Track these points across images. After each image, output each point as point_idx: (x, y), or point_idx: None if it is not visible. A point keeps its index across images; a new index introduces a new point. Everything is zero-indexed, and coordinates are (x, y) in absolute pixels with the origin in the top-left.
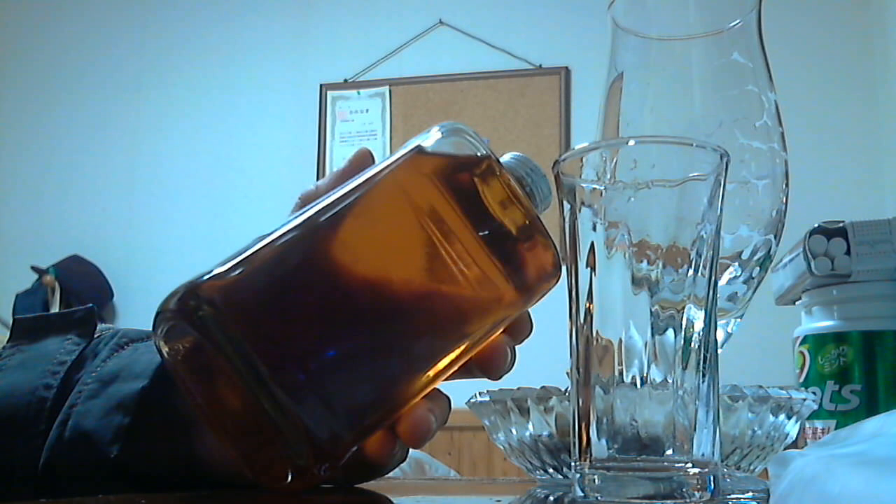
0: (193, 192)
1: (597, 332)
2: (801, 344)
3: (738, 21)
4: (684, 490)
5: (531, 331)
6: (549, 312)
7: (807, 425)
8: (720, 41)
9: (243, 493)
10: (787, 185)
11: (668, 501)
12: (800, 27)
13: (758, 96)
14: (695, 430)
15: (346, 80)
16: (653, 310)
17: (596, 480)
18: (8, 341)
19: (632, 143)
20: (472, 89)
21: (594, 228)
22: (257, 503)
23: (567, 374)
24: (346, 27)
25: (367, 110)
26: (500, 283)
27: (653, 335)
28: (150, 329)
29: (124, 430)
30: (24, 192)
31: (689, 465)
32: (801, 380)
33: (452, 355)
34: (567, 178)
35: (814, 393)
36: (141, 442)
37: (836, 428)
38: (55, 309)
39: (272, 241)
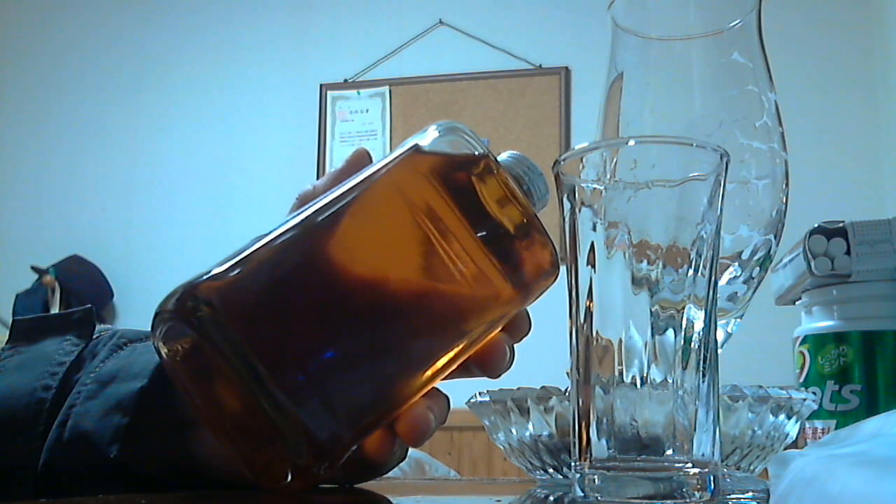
0: (193, 192)
1: (597, 331)
2: (801, 344)
3: (738, 21)
4: (684, 490)
5: (530, 329)
6: (549, 312)
7: (807, 425)
8: (720, 41)
9: (243, 493)
10: (787, 185)
11: (668, 501)
12: (800, 27)
13: (758, 96)
14: (695, 430)
15: (346, 80)
16: (653, 310)
17: (596, 480)
18: (6, 342)
19: (632, 143)
20: (472, 89)
21: (594, 228)
22: (257, 503)
23: (567, 374)
24: (346, 27)
25: (367, 110)
26: (498, 281)
27: (653, 335)
28: (149, 329)
29: (123, 431)
30: (24, 192)
31: (689, 465)
32: (801, 380)
33: (451, 354)
34: (567, 178)
35: (814, 393)
36: (140, 442)
37: (836, 428)
38: (55, 309)
39: (270, 241)
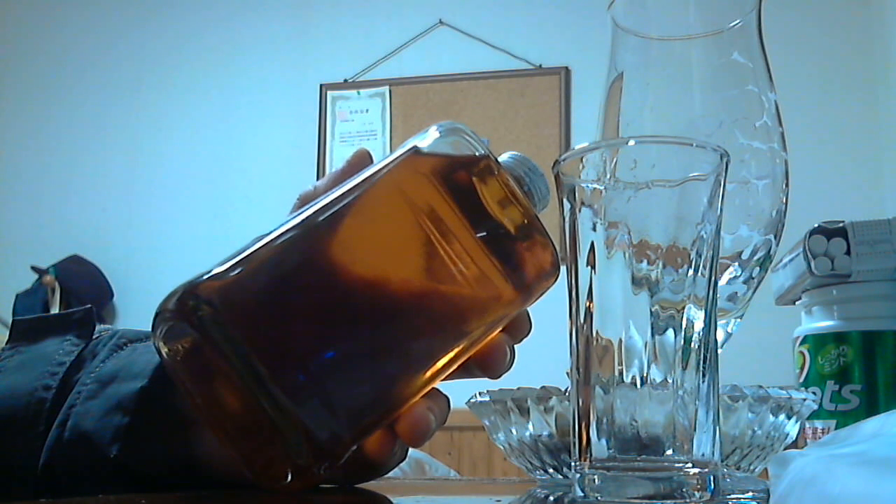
0: (193, 192)
1: (597, 332)
2: (801, 344)
3: (738, 21)
4: (684, 490)
5: (530, 330)
6: (549, 312)
7: (807, 425)
8: (720, 41)
9: (243, 493)
10: (787, 185)
11: (668, 501)
12: (800, 27)
13: (758, 96)
14: (695, 430)
15: (346, 80)
16: (653, 310)
17: (596, 480)
18: (7, 342)
19: (632, 143)
20: (472, 89)
21: (594, 228)
22: (257, 503)
23: (567, 374)
24: (346, 27)
25: (367, 110)
26: (499, 282)
27: (653, 335)
28: (150, 329)
29: (123, 431)
30: (24, 192)
31: (689, 465)
32: (801, 380)
33: (451, 354)
34: (567, 178)
35: (814, 393)
36: (140, 442)
37: (836, 428)
38: (55, 309)
39: (271, 241)
